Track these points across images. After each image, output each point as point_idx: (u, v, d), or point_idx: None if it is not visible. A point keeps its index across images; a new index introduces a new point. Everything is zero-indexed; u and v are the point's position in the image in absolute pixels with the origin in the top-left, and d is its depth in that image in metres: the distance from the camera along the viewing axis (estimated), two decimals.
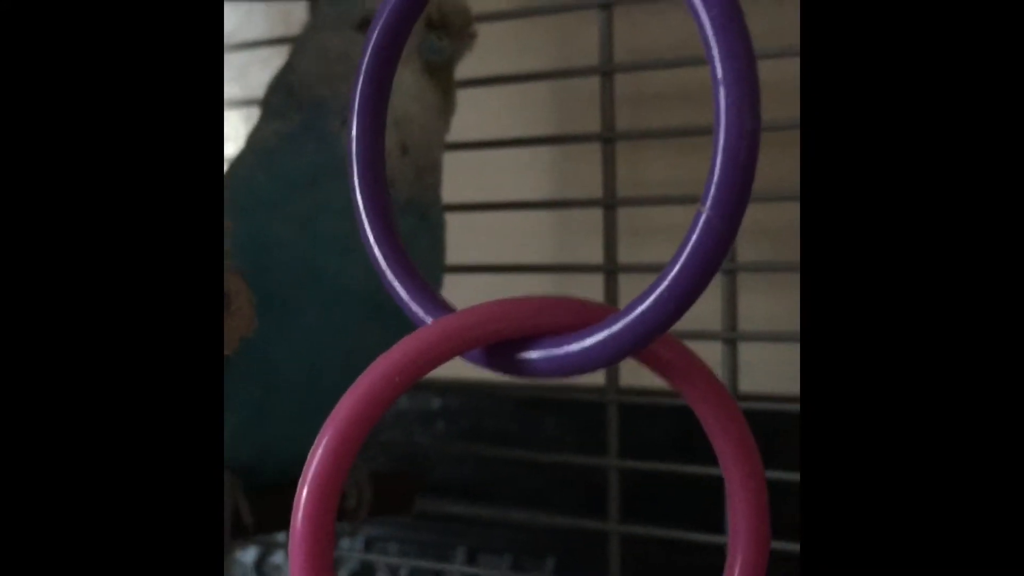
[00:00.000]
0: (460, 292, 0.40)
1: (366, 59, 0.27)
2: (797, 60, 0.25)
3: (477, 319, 0.24)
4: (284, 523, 0.49)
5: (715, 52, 0.21)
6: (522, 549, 0.58)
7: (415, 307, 0.27)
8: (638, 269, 0.47)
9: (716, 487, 0.46)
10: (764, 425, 0.31)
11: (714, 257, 0.22)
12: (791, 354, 0.35)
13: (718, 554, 0.47)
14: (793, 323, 0.29)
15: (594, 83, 0.48)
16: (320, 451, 0.24)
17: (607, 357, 0.24)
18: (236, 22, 0.67)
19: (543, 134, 0.55)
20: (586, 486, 0.54)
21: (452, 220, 0.49)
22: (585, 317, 0.24)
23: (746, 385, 0.46)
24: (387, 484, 0.48)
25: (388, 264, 0.27)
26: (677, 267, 0.22)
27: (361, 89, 0.27)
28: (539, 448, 0.53)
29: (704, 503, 0.48)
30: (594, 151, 0.54)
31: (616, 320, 0.23)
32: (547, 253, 0.59)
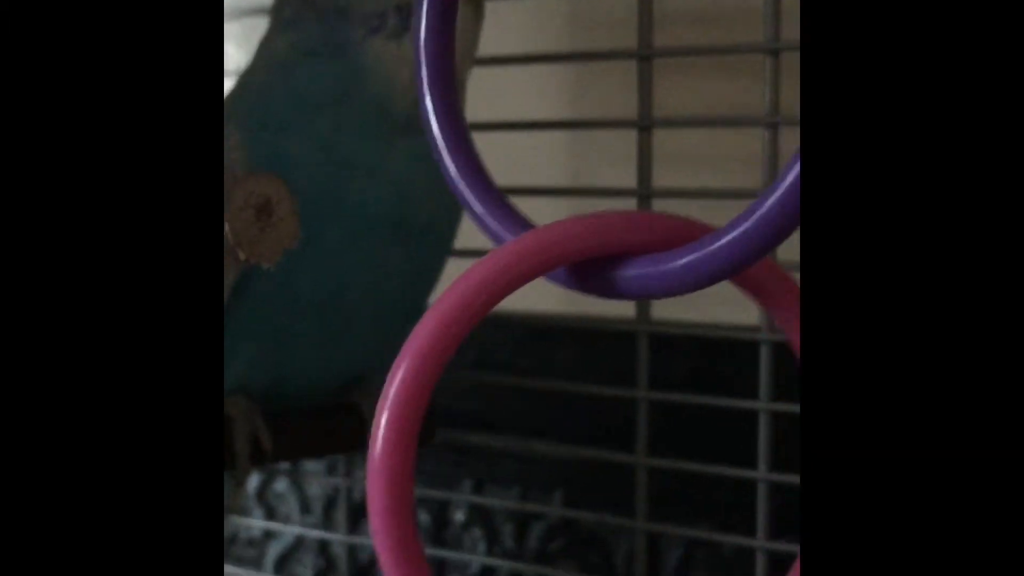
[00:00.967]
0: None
1: None
2: None
3: (563, 235, 0.22)
4: (302, 451, 0.48)
5: None
6: (529, 481, 0.57)
7: (492, 224, 0.25)
8: (674, 194, 0.45)
9: (740, 420, 0.45)
10: None
11: None
12: None
13: (745, 490, 0.46)
14: None
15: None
16: (400, 376, 0.22)
17: (707, 277, 0.22)
18: None
19: (560, 51, 0.53)
20: (598, 418, 0.53)
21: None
22: (678, 235, 0.23)
23: None
24: None
25: (462, 177, 0.25)
26: (785, 185, 0.21)
27: None
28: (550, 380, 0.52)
29: (729, 437, 0.47)
30: (610, 72, 0.52)
31: (717, 238, 0.22)
32: (562, 179, 0.57)
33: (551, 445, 0.52)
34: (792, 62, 0.37)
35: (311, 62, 0.43)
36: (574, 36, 0.56)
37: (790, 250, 0.29)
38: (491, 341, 0.57)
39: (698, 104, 0.51)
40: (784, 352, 0.41)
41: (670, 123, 0.46)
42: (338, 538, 0.60)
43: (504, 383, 0.52)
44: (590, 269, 0.23)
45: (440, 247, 0.46)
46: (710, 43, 0.49)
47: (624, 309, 0.50)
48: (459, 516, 0.58)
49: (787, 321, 0.24)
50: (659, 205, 0.46)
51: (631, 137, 0.46)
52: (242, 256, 0.24)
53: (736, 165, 0.51)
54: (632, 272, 0.22)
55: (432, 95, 0.26)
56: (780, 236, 0.21)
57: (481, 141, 0.48)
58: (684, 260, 0.22)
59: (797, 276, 0.23)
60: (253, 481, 0.64)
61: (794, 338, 0.24)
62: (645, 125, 0.45)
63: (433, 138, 0.25)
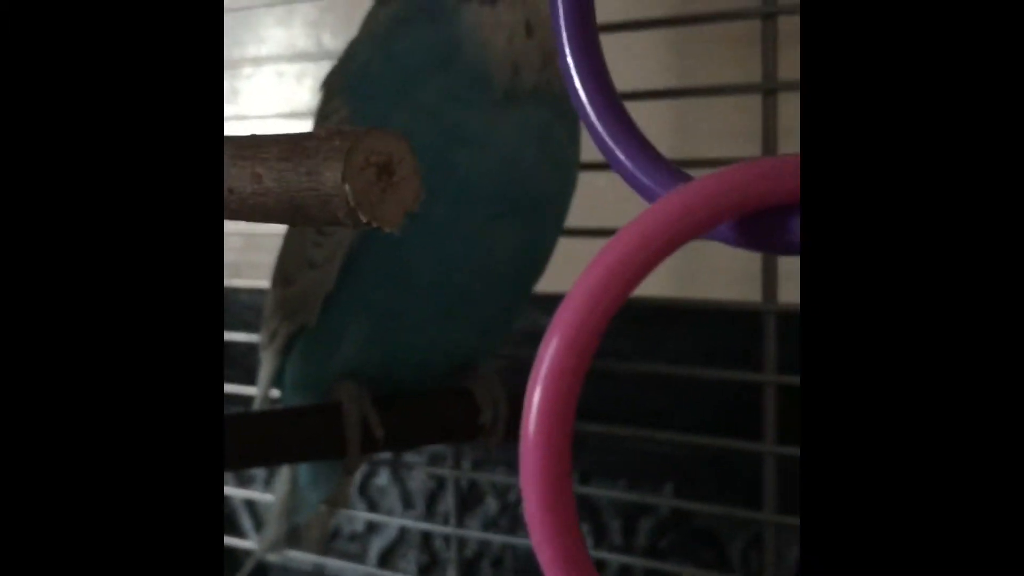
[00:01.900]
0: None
1: None
2: None
3: (734, 182, 0.20)
4: (414, 438, 0.46)
5: None
6: (637, 473, 0.54)
7: (644, 178, 0.22)
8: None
9: None
10: None
11: None
12: None
13: None
14: None
15: None
16: (554, 346, 0.20)
17: None
18: None
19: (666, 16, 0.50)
20: (710, 405, 0.50)
21: None
22: None
23: None
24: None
25: (608, 129, 0.23)
26: None
27: None
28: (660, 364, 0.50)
29: None
30: (716, 40, 0.49)
31: None
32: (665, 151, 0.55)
33: (667, 434, 0.49)
34: None
35: (407, 30, 0.41)
36: (677, 2, 0.53)
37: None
38: None
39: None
40: None
41: (793, 87, 0.43)
42: (442, 531, 0.59)
43: (611, 369, 0.50)
44: (767, 221, 0.20)
45: (552, 224, 0.44)
46: None
47: (732, 291, 0.48)
48: None
49: None
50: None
51: (736, 108, 0.44)
52: (364, 219, 0.22)
53: None
54: None
55: (572, 47, 0.23)
56: None
57: None
58: None
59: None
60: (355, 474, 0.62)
61: None
62: (771, 88, 0.42)
63: (572, 86, 0.23)
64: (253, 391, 0.50)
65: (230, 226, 0.27)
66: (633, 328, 0.54)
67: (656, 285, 0.51)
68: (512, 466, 0.57)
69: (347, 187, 0.23)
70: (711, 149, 0.51)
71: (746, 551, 0.52)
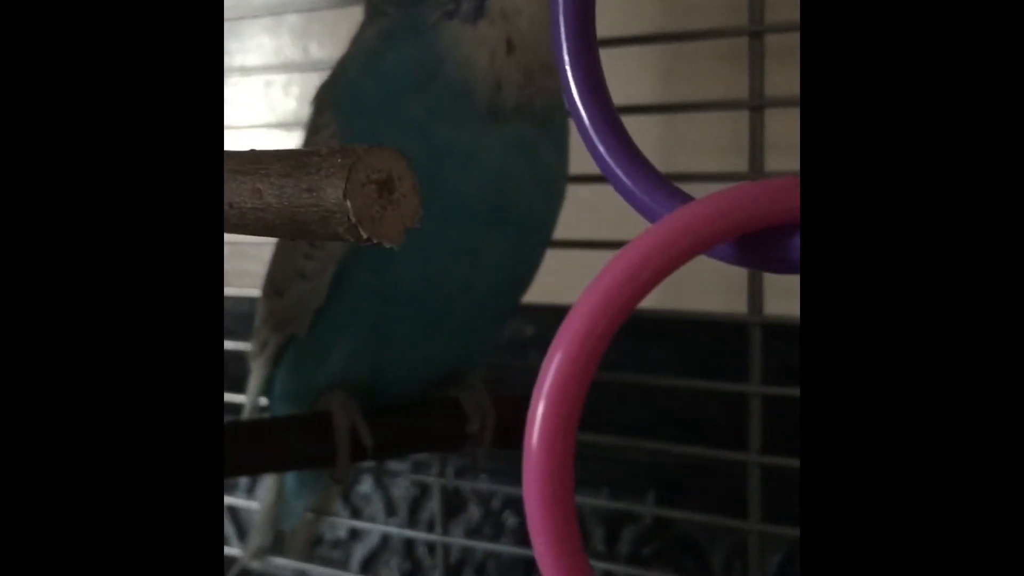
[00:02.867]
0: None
1: None
2: None
3: (737, 201, 0.20)
4: (402, 447, 0.46)
5: None
6: (619, 482, 0.55)
7: (644, 197, 0.22)
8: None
9: None
10: None
11: None
12: None
13: None
14: None
15: None
16: (559, 358, 0.20)
17: None
18: None
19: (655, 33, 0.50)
20: (691, 415, 0.51)
21: None
22: None
23: None
24: (513, 409, 0.44)
25: (607, 149, 0.23)
26: None
27: None
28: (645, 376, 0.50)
29: None
30: (703, 55, 0.50)
31: None
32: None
33: (650, 443, 0.50)
34: None
35: (392, 46, 0.42)
36: (666, 19, 0.54)
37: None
38: None
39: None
40: None
41: (780, 103, 0.44)
42: (425, 538, 0.59)
43: (598, 379, 0.50)
44: (763, 241, 0.21)
45: (539, 238, 0.44)
46: None
47: (718, 303, 0.48)
48: None
49: None
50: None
51: (724, 123, 0.44)
52: (364, 235, 0.22)
53: None
54: None
55: (572, 63, 0.24)
56: None
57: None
58: None
59: None
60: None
61: None
62: (757, 105, 0.43)
63: (571, 102, 0.23)
64: (240, 399, 0.50)
65: None
66: (620, 338, 0.54)
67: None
68: (496, 474, 0.58)
69: (348, 204, 0.23)
70: (698, 163, 0.52)
71: (728, 560, 0.52)
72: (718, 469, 0.48)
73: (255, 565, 0.58)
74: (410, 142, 0.40)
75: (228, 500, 0.64)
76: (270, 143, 0.63)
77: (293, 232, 0.25)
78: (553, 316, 0.59)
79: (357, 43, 0.44)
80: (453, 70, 0.40)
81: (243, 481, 0.66)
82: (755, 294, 0.45)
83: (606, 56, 0.49)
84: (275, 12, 0.63)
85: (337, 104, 0.42)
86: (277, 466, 0.44)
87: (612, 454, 0.53)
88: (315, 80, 0.45)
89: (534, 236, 0.44)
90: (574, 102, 0.23)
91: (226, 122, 0.66)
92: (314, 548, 0.63)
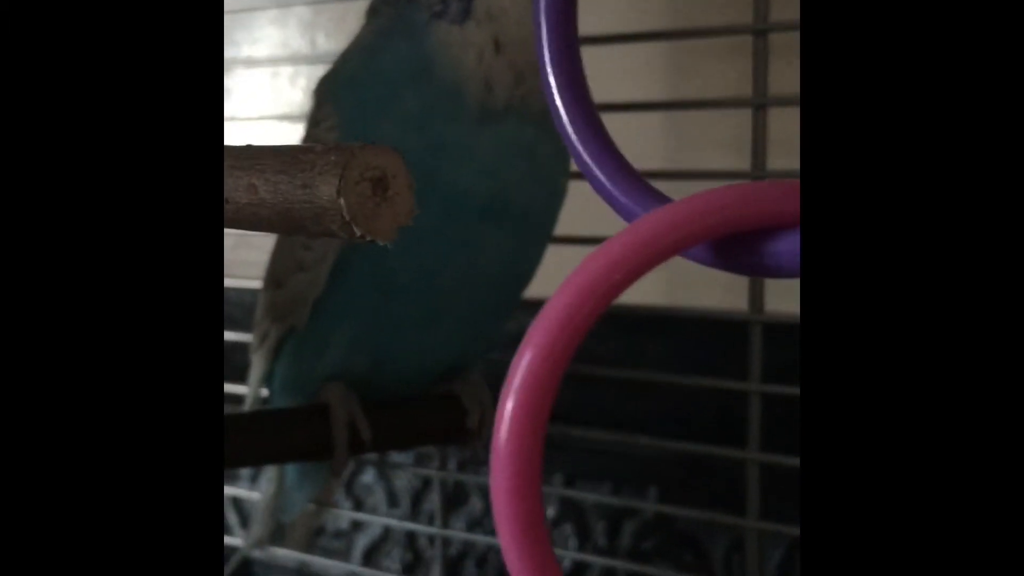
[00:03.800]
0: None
1: None
2: None
3: (711, 205, 0.20)
4: (401, 440, 0.46)
5: None
6: (622, 477, 0.55)
7: (623, 198, 0.23)
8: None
9: None
10: None
11: None
12: None
13: None
14: None
15: None
16: (528, 357, 0.20)
17: None
18: None
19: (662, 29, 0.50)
20: (694, 412, 0.51)
21: None
22: None
23: None
24: None
25: (587, 150, 0.23)
26: None
27: None
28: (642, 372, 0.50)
29: None
30: (709, 52, 0.50)
31: None
32: (657, 163, 0.55)
33: (651, 439, 0.50)
34: None
35: (388, 44, 0.42)
36: (672, 16, 0.54)
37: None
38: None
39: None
40: None
41: (784, 102, 0.44)
42: (427, 530, 0.59)
43: (599, 375, 0.50)
44: (737, 245, 0.21)
45: (538, 235, 0.45)
46: None
47: (719, 300, 0.48)
48: (550, 511, 0.57)
49: None
50: None
51: (728, 121, 0.44)
52: (358, 232, 0.22)
53: None
54: (787, 248, 0.20)
55: (553, 66, 0.24)
56: None
57: None
58: None
59: None
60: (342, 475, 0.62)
61: None
62: (760, 103, 0.43)
63: (556, 111, 0.23)
64: (241, 389, 0.51)
65: None
66: (621, 335, 0.54)
67: (645, 293, 0.52)
68: None
69: (342, 201, 0.23)
70: (702, 160, 0.52)
71: (727, 555, 0.53)
72: (717, 465, 0.48)
73: (257, 555, 0.58)
74: (408, 137, 0.41)
75: (231, 490, 0.64)
76: (276, 135, 0.63)
77: (287, 228, 0.25)
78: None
79: (358, 37, 0.45)
80: (443, 70, 0.41)
81: (246, 471, 0.66)
82: (756, 292, 0.45)
83: (611, 52, 0.49)
84: (282, 4, 0.63)
85: (338, 97, 0.43)
86: (276, 458, 0.45)
87: (618, 448, 0.53)
88: (322, 72, 0.46)
89: (533, 232, 0.44)
90: (554, 101, 0.23)
91: (233, 113, 0.66)
92: (316, 539, 0.64)
